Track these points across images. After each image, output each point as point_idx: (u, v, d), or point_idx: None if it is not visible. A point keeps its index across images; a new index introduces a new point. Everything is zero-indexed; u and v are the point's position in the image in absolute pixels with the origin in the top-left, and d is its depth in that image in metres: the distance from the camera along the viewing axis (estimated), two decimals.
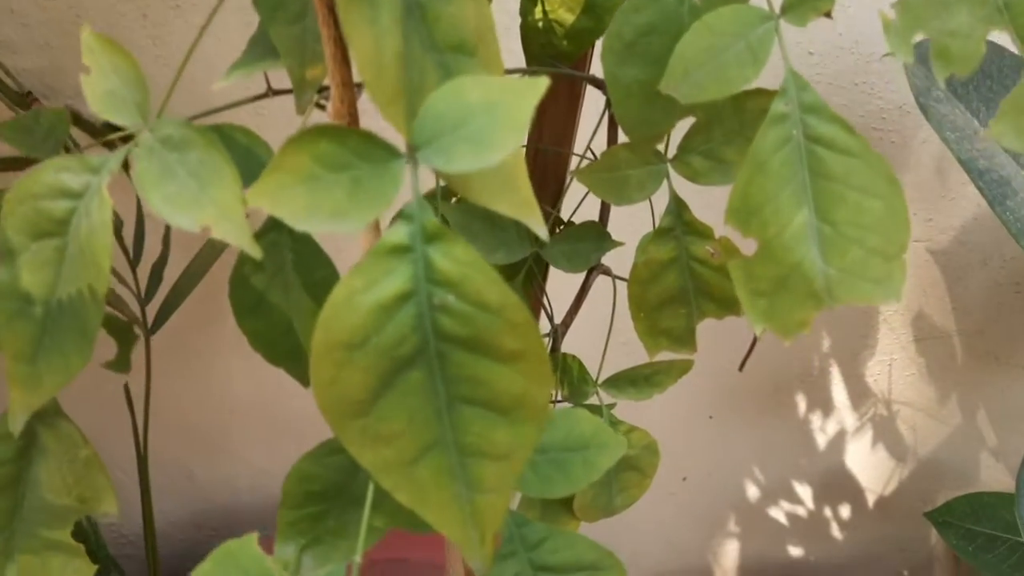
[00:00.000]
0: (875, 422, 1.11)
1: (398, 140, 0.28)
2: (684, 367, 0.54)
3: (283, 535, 0.35)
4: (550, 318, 0.54)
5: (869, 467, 1.17)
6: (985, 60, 0.72)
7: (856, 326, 1.02)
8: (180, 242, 0.83)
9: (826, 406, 1.08)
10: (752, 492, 1.19)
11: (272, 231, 0.34)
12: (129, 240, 0.80)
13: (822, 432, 1.11)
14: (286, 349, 0.34)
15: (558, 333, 0.53)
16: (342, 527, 0.36)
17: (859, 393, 1.07)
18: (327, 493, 0.36)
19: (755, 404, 1.07)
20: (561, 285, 0.58)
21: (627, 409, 0.99)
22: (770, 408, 1.07)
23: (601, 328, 0.60)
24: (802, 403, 1.07)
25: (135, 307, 0.81)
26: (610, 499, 0.56)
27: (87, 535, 0.94)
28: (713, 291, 0.45)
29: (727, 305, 0.45)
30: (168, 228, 0.81)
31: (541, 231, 0.26)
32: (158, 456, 1.07)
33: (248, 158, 0.31)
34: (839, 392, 1.07)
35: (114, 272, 0.79)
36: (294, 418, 1.05)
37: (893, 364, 1.06)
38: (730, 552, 1.29)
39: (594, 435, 0.40)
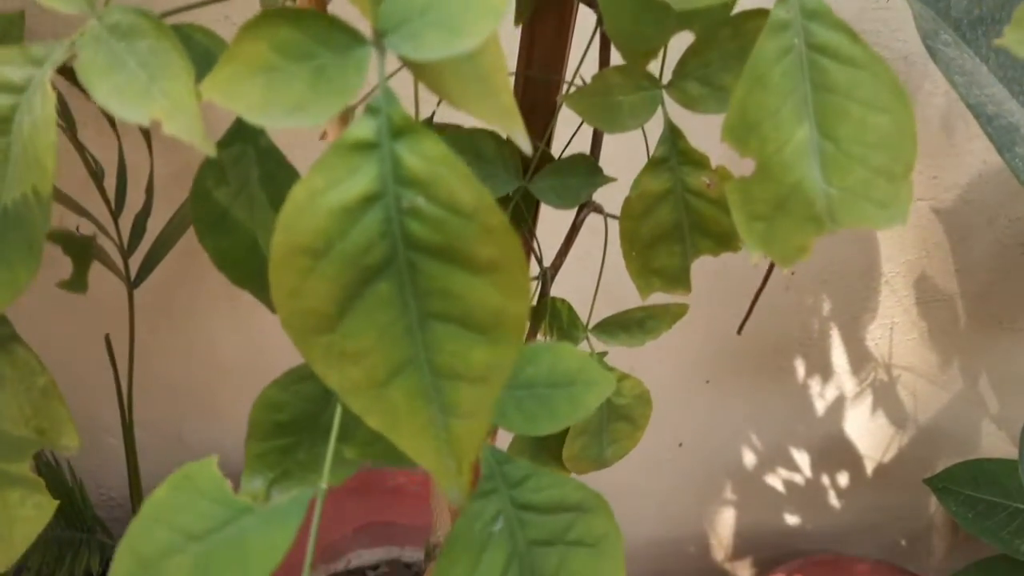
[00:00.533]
0: (875, 387, 1.09)
1: (366, 28, 0.25)
2: (678, 312, 0.52)
3: (250, 467, 0.33)
4: (539, 260, 0.52)
5: (868, 434, 1.15)
6: (996, 5, 0.69)
7: (857, 288, 1.00)
8: (164, 193, 0.81)
9: (825, 371, 1.06)
10: (749, 459, 1.18)
11: (237, 142, 0.31)
12: (111, 190, 0.78)
13: (821, 398, 1.10)
14: (252, 269, 0.32)
15: (547, 276, 0.51)
16: (313, 460, 0.34)
17: (859, 358, 1.05)
18: (297, 423, 0.34)
19: (753, 368, 1.05)
20: (551, 226, 0.56)
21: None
22: (768, 373, 1.05)
23: (592, 274, 0.58)
24: (801, 368, 1.05)
25: (117, 259, 0.79)
26: (601, 450, 0.54)
27: (72, 494, 0.92)
28: (709, 226, 0.43)
29: (723, 241, 0.43)
30: (151, 177, 0.79)
31: (524, 143, 0.24)
32: (145, 416, 1.05)
33: (207, 59, 0.29)
34: (839, 356, 1.05)
35: (95, 223, 0.76)
36: None
37: (894, 327, 1.04)
38: (726, 520, 1.27)
39: (580, 371, 0.38)
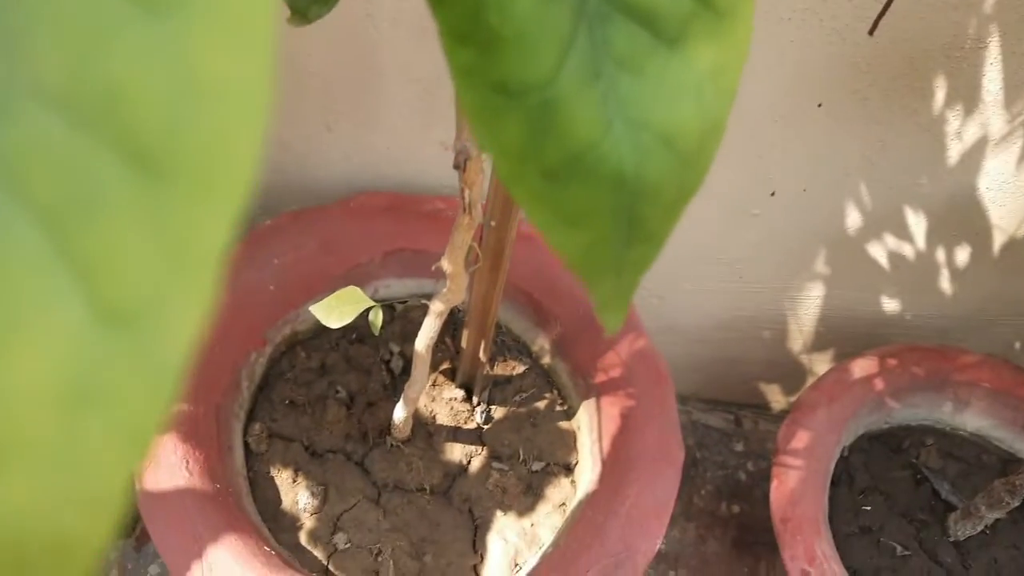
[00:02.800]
0: None
1: None
2: None
3: None
4: None
5: (1007, 195, 0.95)
6: None
7: None
8: None
9: (971, 99, 0.85)
10: (852, 219, 0.98)
11: None
12: None
13: (957, 138, 0.89)
14: None
15: None
16: None
17: (1020, 82, 0.83)
18: None
19: (880, 88, 0.84)
20: None
21: None
22: (898, 95, 0.85)
23: None
24: (940, 91, 0.84)
25: None
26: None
27: None
28: None
29: None
30: None
31: None
32: None
33: None
34: (993, 78, 0.83)
35: None
36: (315, 79, 0.86)
37: None
38: (812, 296, 1.10)
39: None
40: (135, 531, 1.11)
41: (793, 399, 1.29)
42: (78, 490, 0.10)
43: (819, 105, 0.86)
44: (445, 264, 0.60)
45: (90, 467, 0.10)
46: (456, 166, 0.45)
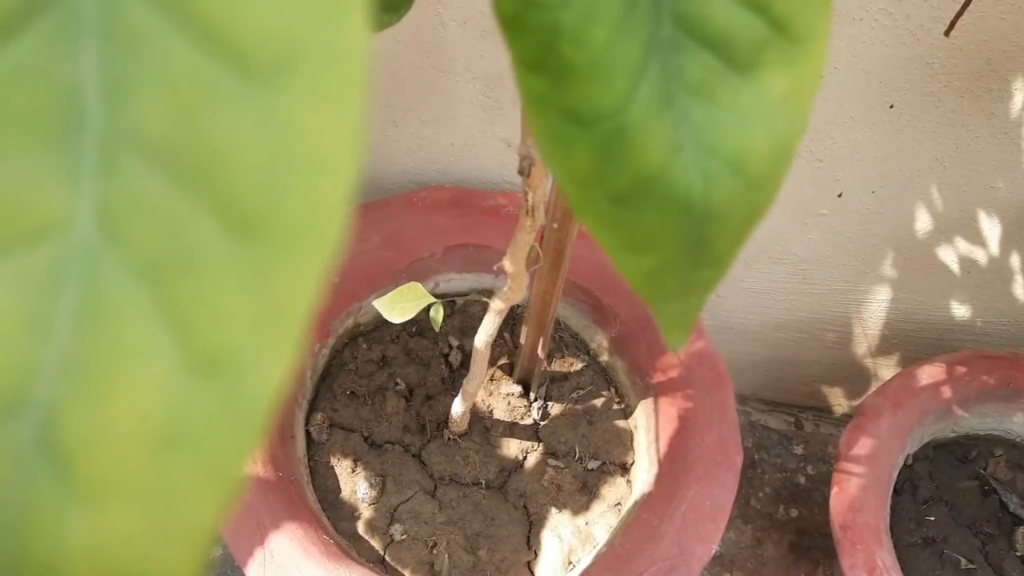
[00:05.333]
0: None
1: None
2: None
3: None
4: None
5: None
6: None
7: None
8: None
9: None
10: (921, 223, 0.96)
11: None
12: None
13: None
14: None
15: None
16: None
17: None
18: None
19: (955, 90, 0.82)
20: None
21: None
22: (973, 98, 0.82)
23: None
24: (1020, 93, 0.82)
25: None
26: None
27: None
28: None
29: None
30: None
31: None
32: None
33: None
34: None
35: None
36: (383, 76, 0.88)
37: None
38: (878, 301, 1.08)
39: None
40: None
41: (856, 403, 1.26)
42: (170, 526, 0.11)
43: (891, 106, 0.84)
44: (507, 264, 0.61)
45: (181, 505, 0.11)
46: (520, 172, 0.46)
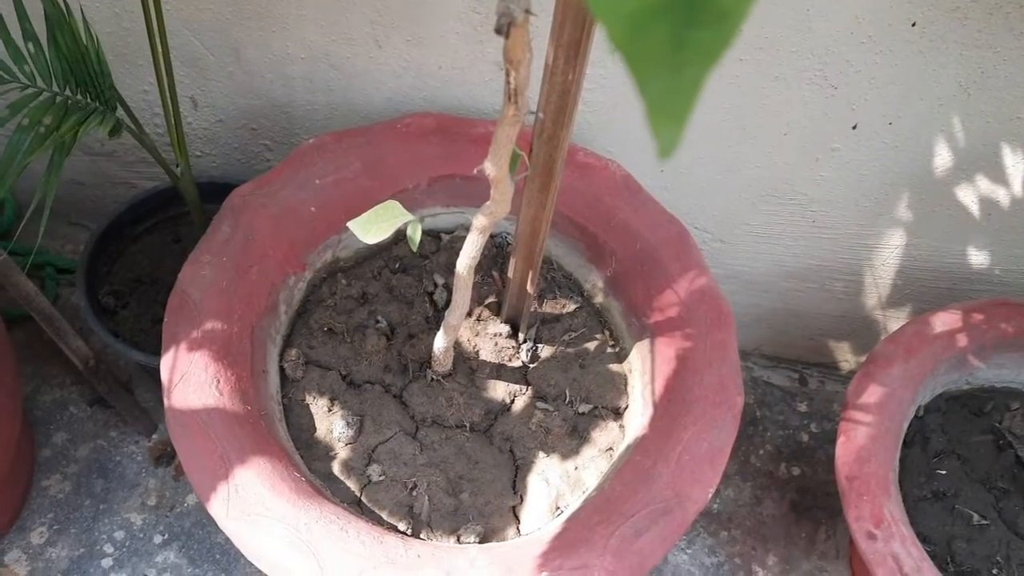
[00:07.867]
0: None
1: None
2: None
3: None
4: None
5: None
6: None
7: None
8: None
9: None
10: (941, 158, 0.90)
11: None
12: None
13: None
14: None
15: None
16: None
17: None
18: None
19: (983, 6, 0.75)
20: None
21: (787, 7, 0.70)
22: (1004, 14, 0.76)
23: None
24: None
25: None
26: None
27: (85, 53, 0.75)
28: None
29: None
30: None
31: None
32: (194, 22, 0.86)
33: None
34: None
35: None
36: None
37: None
38: (892, 246, 1.02)
39: None
40: (174, 461, 1.10)
41: (864, 359, 1.21)
42: None
43: (912, 24, 0.78)
44: (488, 166, 0.55)
45: None
46: (498, 30, 0.40)
